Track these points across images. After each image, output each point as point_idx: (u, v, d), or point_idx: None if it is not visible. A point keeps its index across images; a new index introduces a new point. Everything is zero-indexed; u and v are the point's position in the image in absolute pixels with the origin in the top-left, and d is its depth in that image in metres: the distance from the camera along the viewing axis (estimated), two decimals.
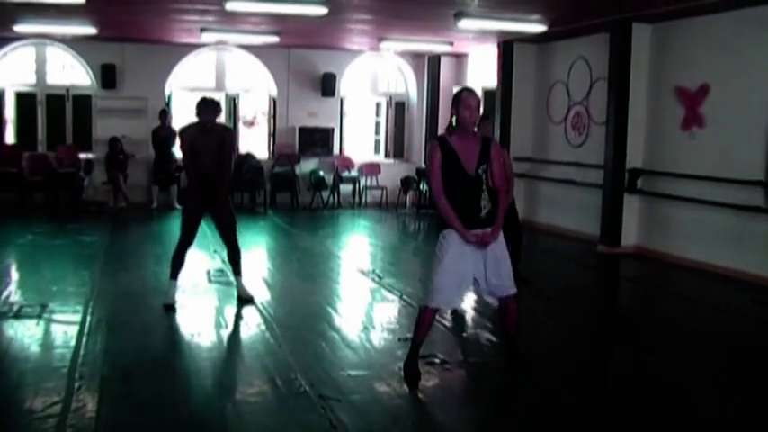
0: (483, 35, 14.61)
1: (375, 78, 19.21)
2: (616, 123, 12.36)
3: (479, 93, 16.65)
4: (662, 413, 5.67)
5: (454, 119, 6.01)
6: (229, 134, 8.84)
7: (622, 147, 12.37)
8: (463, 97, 5.96)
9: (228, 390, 5.88)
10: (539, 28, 12.75)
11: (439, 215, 6.10)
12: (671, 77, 11.87)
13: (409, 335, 7.41)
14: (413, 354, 6.22)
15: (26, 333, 7.31)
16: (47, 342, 7.14)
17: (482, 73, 17.16)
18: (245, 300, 8.59)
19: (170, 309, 8.26)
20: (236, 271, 8.72)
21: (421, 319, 6.18)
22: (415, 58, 18.73)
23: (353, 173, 18.14)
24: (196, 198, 8.35)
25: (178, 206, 16.42)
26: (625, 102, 12.31)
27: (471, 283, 6.16)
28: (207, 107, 8.24)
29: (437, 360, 6.64)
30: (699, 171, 11.10)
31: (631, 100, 12.30)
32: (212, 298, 8.86)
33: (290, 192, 17.43)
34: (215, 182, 8.27)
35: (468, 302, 9.09)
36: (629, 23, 12.11)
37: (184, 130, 8.41)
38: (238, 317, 8.15)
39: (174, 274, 8.49)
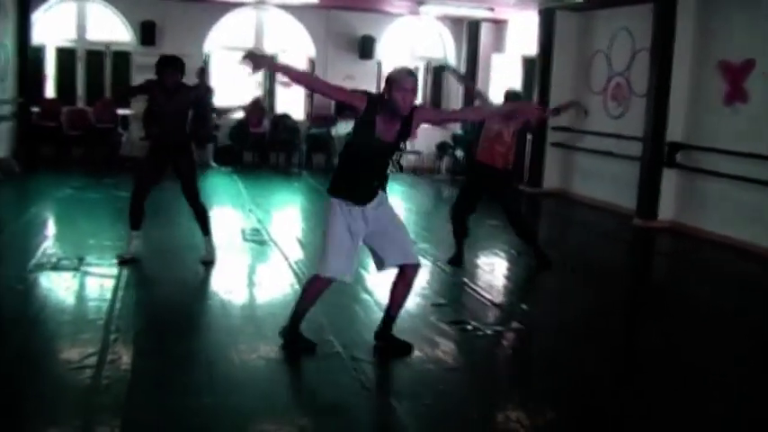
0: (524, 1, 14.47)
1: (413, 42, 19.10)
2: (657, 96, 12.21)
3: (518, 60, 16.62)
4: (691, 391, 5.66)
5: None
6: (195, 91, 8.39)
7: (663, 120, 12.22)
8: (399, 78, 5.39)
9: (263, 349, 5.90)
10: None
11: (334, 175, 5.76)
12: (715, 51, 11.67)
13: (442, 300, 7.49)
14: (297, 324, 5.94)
15: (63, 285, 7.39)
16: (83, 294, 7.22)
17: (521, 40, 17.01)
18: (206, 262, 8.37)
19: (126, 263, 8.12)
20: (204, 230, 8.50)
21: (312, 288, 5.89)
22: (454, 22, 18.59)
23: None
24: (153, 156, 8.23)
25: (214, 164, 16.53)
26: (667, 74, 12.14)
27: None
28: (166, 67, 7.96)
29: (469, 327, 6.66)
30: (740, 147, 10.93)
31: (674, 72, 12.10)
32: (246, 256, 8.91)
33: (325, 153, 17.44)
34: (177, 144, 8.17)
35: (500, 269, 9.10)
36: None
37: (150, 84, 8.14)
38: (272, 276, 8.20)
39: (135, 224, 8.32)
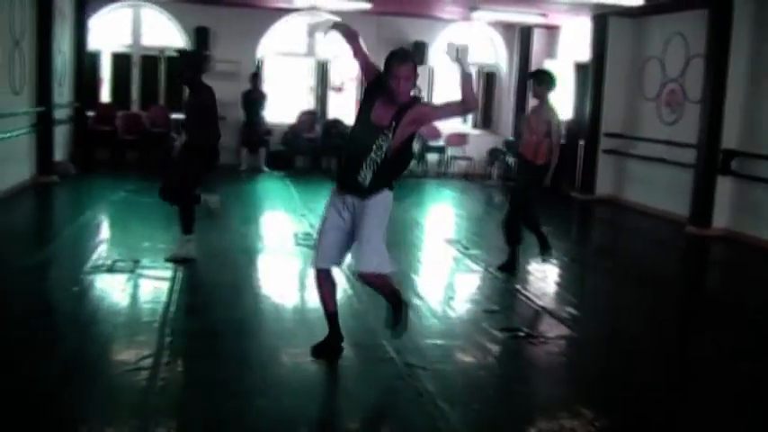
0: (577, 7, 14.39)
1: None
2: (712, 102, 12.07)
3: (571, 66, 16.52)
4: (742, 403, 5.60)
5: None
6: (209, 94, 8.32)
7: (717, 126, 12.07)
8: (391, 65, 5.30)
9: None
10: (636, 1, 12.51)
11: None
12: None
13: (494, 307, 7.48)
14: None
15: (119, 287, 7.49)
16: (138, 297, 7.34)
17: (574, 46, 16.93)
18: (171, 259, 8.40)
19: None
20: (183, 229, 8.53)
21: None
22: (506, 28, 18.55)
23: (441, 142, 18.09)
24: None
25: (266, 169, 16.66)
26: (722, 80, 11.99)
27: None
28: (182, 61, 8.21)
29: (521, 333, 6.65)
30: None
31: (729, 79, 11.96)
32: (298, 260, 8.96)
33: None
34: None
35: (552, 276, 9.06)
36: None
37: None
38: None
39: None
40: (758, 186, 11.63)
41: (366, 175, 5.42)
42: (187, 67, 8.14)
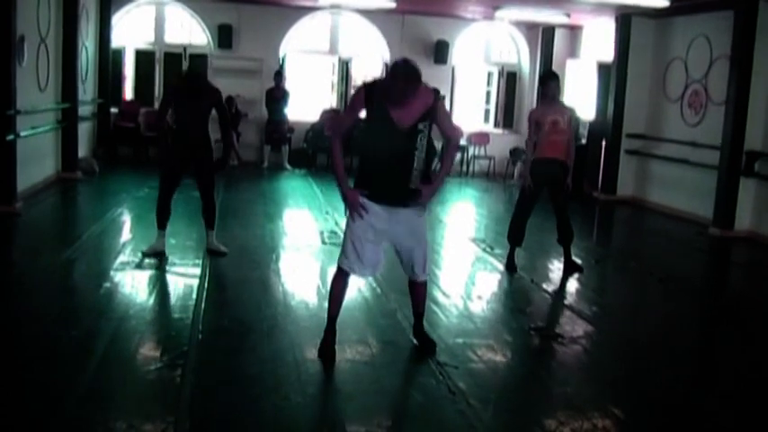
0: (601, 8, 14.37)
1: (488, 47, 19.11)
2: (736, 104, 12.04)
3: (593, 66, 16.52)
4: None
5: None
6: (218, 95, 8.64)
7: (741, 128, 12.05)
8: (389, 73, 5.36)
9: (346, 350, 5.96)
10: (661, 2, 12.50)
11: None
12: None
13: (523, 306, 7.52)
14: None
15: (148, 284, 7.56)
16: (168, 293, 7.40)
17: (596, 46, 16.92)
18: (214, 252, 8.72)
19: (154, 256, 8.46)
20: (209, 225, 8.85)
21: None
22: (529, 28, 18.55)
23: (462, 141, 18.10)
24: (173, 157, 8.57)
25: (288, 167, 16.73)
26: (747, 82, 11.97)
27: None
28: (190, 79, 8.47)
29: (551, 333, 6.68)
30: None
31: (753, 80, 11.93)
32: (327, 258, 9.00)
33: None
34: (198, 144, 8.47)
35: (576, 276, 9.07)
36: (755, 0, 11.77)
37: (173, 89, 8.61)
38: (352, 278, 8.25)
39: (162, 224, 8.71)
40: None
41: (416, 177, 5.50)
42: (199, 79, 8.56)
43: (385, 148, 5.43)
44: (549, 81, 8.77)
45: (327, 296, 5.98)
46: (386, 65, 17.90)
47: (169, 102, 8.45)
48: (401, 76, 5.22)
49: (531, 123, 8.68)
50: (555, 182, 8.64)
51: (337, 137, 5.65)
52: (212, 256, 8.63)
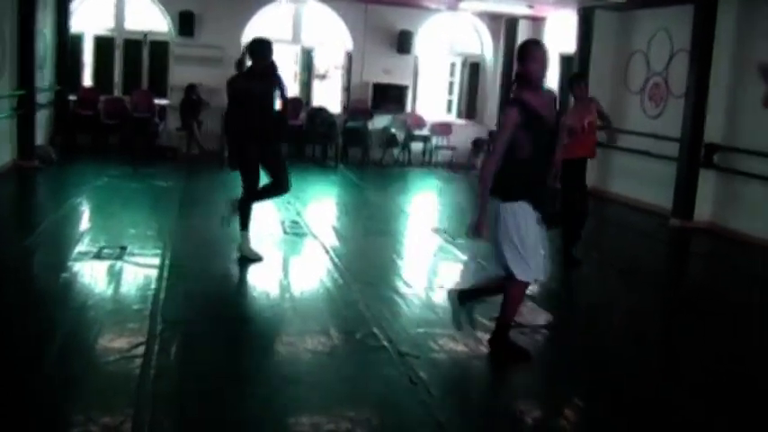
0: (564, 0, 14.43)
1: (451, 38, 19.11)
2: (695, 97, 12.15)
3: (556, 58, 16.56)
4: (738, 393, 5.67)
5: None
6: (276, 71, 8.23)
7: (701, 121, 12.17)
8: (530, 50, 5.52)
9: (310, 341, 5.94)
10: None
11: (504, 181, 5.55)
12: (755, 53, 11.60)
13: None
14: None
15: (107, 274, 7.46)
16: (127, 284, 7.26)
17: (559, 38, 16.97)
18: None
19: (255, 260, 8.19)
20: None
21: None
22: (492, 19, 18.56)
23: (425, 131, 18.13)
24: (251, 148, 8.05)
25: None
26: (706, 75, 12.08)
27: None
28: (266, 49, 7.94)
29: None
30: None
31: (712, 73, 12.05)
32: (288, 248, 8.96)
33: (361, 147, 17.50)
34: (266, 128, 8.04)
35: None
36: None
37: (234, 81, 8.10)
38: (314, 268, 8.24)
39: (246, 224, 8.33)
40: (740, 180, 11.75)
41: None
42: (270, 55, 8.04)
43: (542, 149, 5.55)
44: (579, 83, 8.91)
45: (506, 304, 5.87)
46: (348, 54, 17.86)
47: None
48: (546, 55, 5.55)
49: (565, 129, 8.72)
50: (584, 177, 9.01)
51: (497, 155, 5.51)
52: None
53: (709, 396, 5.54)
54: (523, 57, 5.53)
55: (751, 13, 11.73)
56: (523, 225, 5.51)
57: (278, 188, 8.31)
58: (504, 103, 5.64)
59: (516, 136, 5.42)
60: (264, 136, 8.03)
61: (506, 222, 5.50)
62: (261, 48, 7.95)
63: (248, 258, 8.19)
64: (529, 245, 5.52)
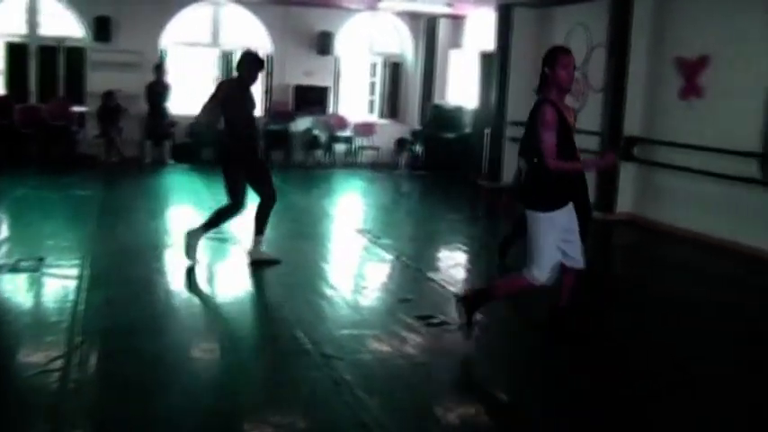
0: None
1: (371, 38, 19.11)
2: (614, 91, 12.36)
3: (476, 56, 16.68)
4: (672, 382, 5.74)
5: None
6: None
7: (619, 114, 12.37)
8: (560, 57, 5.74)
9: (232, 346, 5.89)
10: None
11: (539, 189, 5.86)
12: (671, 47, 11.83)
13: (409, 295, 7.50)
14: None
15: (24, 287, 7.30)
16: (46, 296, 7.12)
17: (479, 36, 17.08)
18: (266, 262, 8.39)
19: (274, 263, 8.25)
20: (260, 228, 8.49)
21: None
22: (412, 18, 18.62)
23: (348, 132, 18.11)
24: (238, 157, 8.10)
25: (171, 161, 16.40)
26: (623, 69, 12.29)
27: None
28: (259, 65, 8.12)
29: (436, 320, 6.67)
30: (696, 141, 11.08)
31: (630, 68, 12.27)
32: (212, 255, 8.84)
33: (283, 150, 17.39)
34: (250, 139, 8.14)
35: (463, 263, 9.13)
36: None
37: (223, 84, 8.33)
38: (239, 275, 8.15)
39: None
40: (659, 172, 11.96)
41: None
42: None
43: (567, 153, 5.75)
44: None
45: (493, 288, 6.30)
46: (268, 57, 17.73)
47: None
48: (574, 62, 5.83)
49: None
50: None
51: (553, 149, 5.69)
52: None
53: (633, 389, 5.59)
54: (553, 63, 5.74)
55: (666, 6, 11.95)
56: (567, 225, 5.91)
57: (270, 201, 8.52)
58: (537, 103, 5.73)
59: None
60: (253, 148, 8.22)
61: (547, 236, 5.85)
62: (261, 65, 8.17)
63: (266, 262, 8.28)
64: (556, 248, 5.90)
